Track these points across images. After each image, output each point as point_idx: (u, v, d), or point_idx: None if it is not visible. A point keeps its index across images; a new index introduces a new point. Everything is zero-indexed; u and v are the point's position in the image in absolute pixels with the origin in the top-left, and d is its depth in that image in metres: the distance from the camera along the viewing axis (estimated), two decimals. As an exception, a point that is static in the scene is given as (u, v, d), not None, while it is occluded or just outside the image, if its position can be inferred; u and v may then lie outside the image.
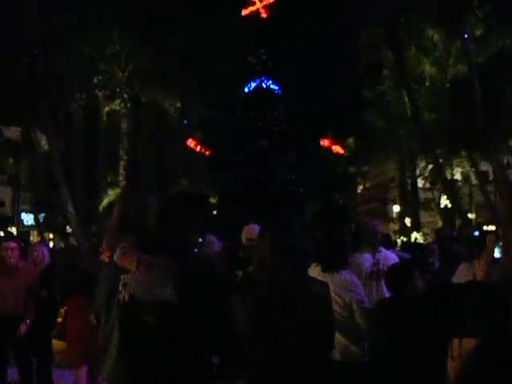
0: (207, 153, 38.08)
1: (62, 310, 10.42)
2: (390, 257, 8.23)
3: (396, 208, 47.74)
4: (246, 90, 40.23)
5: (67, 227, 36.30)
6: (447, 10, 29.27)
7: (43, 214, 40.61)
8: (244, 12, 40.76)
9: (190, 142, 37.59)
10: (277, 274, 4.12)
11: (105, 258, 5.11)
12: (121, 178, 28.93)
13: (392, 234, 45.96)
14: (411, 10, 31.17)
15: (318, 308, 4.15)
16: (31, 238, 46.06)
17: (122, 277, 4.28)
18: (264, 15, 41.23)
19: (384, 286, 7.45)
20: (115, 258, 4.45)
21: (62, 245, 44.59)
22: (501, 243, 3.11)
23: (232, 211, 35.78)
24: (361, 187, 59.66)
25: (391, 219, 50.69)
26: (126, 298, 4.20)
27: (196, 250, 4.76)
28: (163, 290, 4.09)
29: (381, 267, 7.87)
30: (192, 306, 4.13)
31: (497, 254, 6.26)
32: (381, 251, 8.29)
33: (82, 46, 27.47)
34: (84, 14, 26.64)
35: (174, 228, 4.39)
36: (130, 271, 4.25)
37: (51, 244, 44.61)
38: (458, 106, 31.84)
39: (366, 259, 8.01)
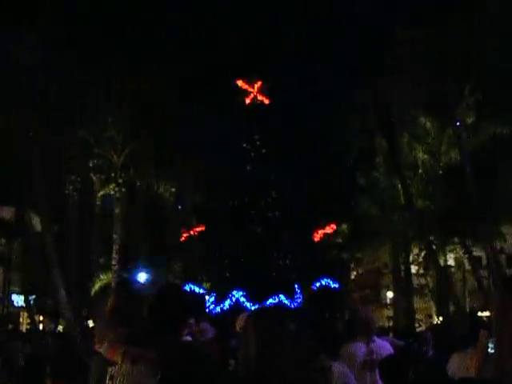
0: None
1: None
2: (385, 347, 8.15)
3: (389, 294, 47.52)
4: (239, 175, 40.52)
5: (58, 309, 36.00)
6: (438, 98, 29.77)
7: (34, 296, 40.29)
8: (240, 98, 41.40)
9: (184, 232, 37.75)
10: (264, 370, 4.08)
11: (97, 348, 5.11)
12: (113, 262, 28.87)
13: (385, 320, 45.76)
14: (402, 99, 31.67)
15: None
16: (21, 320, 45.58)
17: (109, 369, 4.27)
18: (260, 100, 41.79)
19: (378, 377, 7.38)
20: (103, 350, 4.45)
21: (51, 327, 44.13)
22: (494, 338, 3.10)
23: (226, 297, 35.69)
24: (354, 273, 59.49)
25: (385, 305, 50.40)
26: None
27: (190, 338, 4.74)
28: (150, 383, 4.06)
29: (375, 357, 7.79)
30: None
31: (490, 349, 6.24)
32: (375, 340, 8.21)
33: (78, 130, 27.80)
34: (82, 100, 27.03)
35: (163, 320, 4.38)
36: (116, 363, 4.23)
37: (41, 326, 44.19)
38: (451, 192, 32.10)
39: (359, 348, 7.92)
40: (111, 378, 4.22)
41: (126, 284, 5.83)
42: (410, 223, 34.27)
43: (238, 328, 8.43)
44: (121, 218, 28.96)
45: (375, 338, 8.28)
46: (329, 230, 43.84)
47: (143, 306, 4.80)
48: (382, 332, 12.12)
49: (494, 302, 2.39)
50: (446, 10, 30.13)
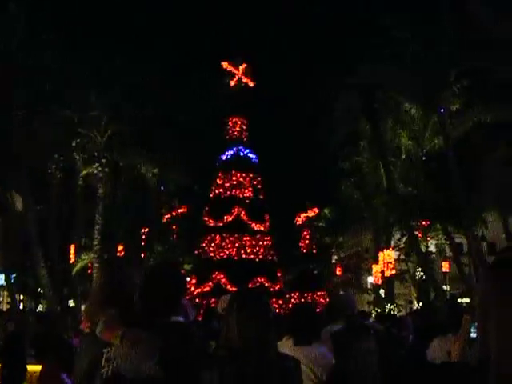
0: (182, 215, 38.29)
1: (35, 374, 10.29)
2: (365, 330, 8.19)
3: (370, 279, 47.71)
4: (224, 157, 40.37)
5: (39, 289, 35.92)
6: (423, 85, 29.79)
7: (14, 275, 40.15)
8: (225, 81, 41.23)
9: (165, 212, 37.70)
10: (245, 352, 4.08)
11: (84, 328, 5.04)
12: (95, 243, 28.77)
13: (366, 305, 45.96)
14: (387, 85, 31.71)
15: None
16: (1, 299, 45.46)
17: (105, 351, 4.22)
18: (245, 83, 41.65)
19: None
20: (98, 331, 4.38)
21: (32, 306, 44.04)
22: (477, 324, 3.11)
23: (208, 279, 35.64)
24: (335, 257, 59.69)
25: (365, 290, 50.63)
26: (110, 373, 4.13)
27: (181, 319, 4.70)
28: (148, 365, 4.03)
29: (355, 340, 7.82)
30: (176, 381, 4.07)
31: (473, 334, 6.28)
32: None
33: (62, 109, 27.66)
34: (66, 78, 26.92)
35: (157, 300, 4.34)
36: (112, 345, 4.18)
37: (21, 306, 44.07)
38: (434, 178, 32.22)
39: (340, 331, 7.95)
40: (107, 359, 4.17)
41: (114, 265, 5.69)
42: (391, 208, 34.38)
43: (219, 310, 8.43)
44: (103, 198, 28.90)
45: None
46: (311, 213, 43.94)
47: (133, 286, 4.77)
48: (363, 315, 12.15)
49: (478, 287, 2.38)
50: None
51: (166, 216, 37.38)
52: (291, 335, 5.94)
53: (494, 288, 2.06)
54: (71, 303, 30.37)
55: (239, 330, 4.10)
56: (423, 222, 34.09)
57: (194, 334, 4.47)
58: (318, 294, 36.40)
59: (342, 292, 51.91)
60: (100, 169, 28.49)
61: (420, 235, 34.63)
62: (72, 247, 31.29)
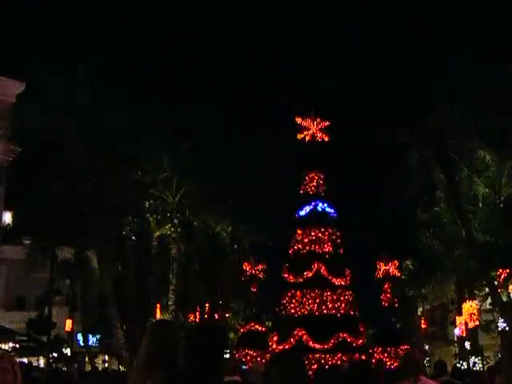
0: (261, 276, 38.06)
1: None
2: (431, 387, 8.01)
3: (456, 331, 46.71)
4: (302, 213, 40.27)
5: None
6: (496, 130, 29.36)
7: (99, 336, 40.72)
8: (299, 136, 41.25)
9: (246, 266, 37.60)
10: None
11: None
12: (170, 303, 28.93)
13: (452, 358, 44.82)
14: (459, 132, 31.29)
15: None
16: (86, 359, 46.05)
17: None
18: (320, 138, 41.63)
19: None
20: None
21: (116, 367, 44.47)
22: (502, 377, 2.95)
23: (289, 335, 35.29)
24: (420, 310, 58.74)
25: (452, 342, 49.53)
26: None
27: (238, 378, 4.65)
28: None
29: (421, 397, 7.66)
30: None
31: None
32: (420, 380, 8.09)
33: (134, 172, 28.20)
34: (137, 140, 27.48)
35: (198, 360, 4.30)
36: None
37: (106, 365, 44.58)
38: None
39: (405, 388, 7.81)
40: None
41: (159, 326, 5.70)
42: (471, 258, 33.62)
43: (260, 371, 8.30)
44: (177, 258, 29.08)
45: (422, 377, 8.17)
46: (392, 266, 43.36)
47: (178, 347, 4.73)
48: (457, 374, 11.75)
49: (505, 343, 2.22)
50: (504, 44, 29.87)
51: (245, 273, 37.33)
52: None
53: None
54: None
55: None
56: (503, 271, 33.22)
57: None
58: (402, 348, 35.43)
59: (426, 346, 50.88)
60: (173, 229, 28.74)
61: (501, 284, 33.74)
62: (157, 307, 31.57)
